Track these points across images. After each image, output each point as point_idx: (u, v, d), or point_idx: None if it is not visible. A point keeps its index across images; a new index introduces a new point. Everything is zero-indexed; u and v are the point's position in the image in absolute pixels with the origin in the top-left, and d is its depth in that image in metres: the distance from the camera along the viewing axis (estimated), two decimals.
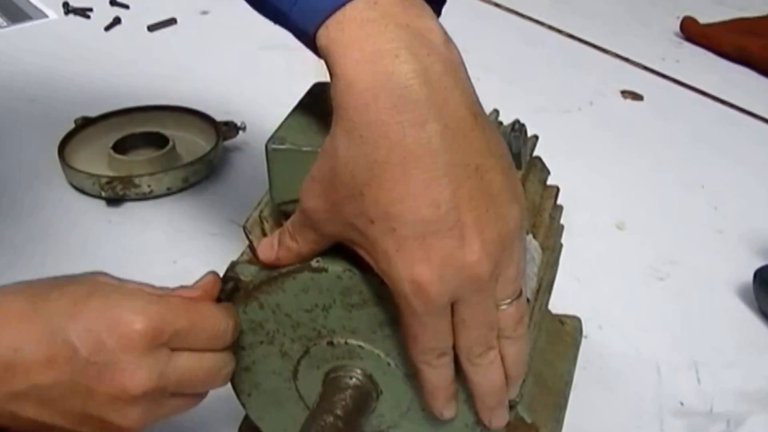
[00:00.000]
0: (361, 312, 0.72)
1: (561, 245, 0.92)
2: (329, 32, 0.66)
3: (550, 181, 0.92)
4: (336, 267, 0.71)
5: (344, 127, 0.65)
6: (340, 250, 0.71)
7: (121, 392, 0.68)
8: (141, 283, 0.74)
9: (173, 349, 0.70)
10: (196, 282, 0.76)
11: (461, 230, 0.64)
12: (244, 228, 0.80)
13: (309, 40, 0.68)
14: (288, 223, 0.72)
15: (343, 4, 0.66)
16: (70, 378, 0.67)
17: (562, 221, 0.94)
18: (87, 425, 0.69)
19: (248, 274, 0.77)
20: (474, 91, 0.67)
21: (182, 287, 0.75)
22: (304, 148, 0.73)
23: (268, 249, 0.74)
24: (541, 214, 0.87)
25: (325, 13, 0.66)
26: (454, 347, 0.69)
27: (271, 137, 0.75)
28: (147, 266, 1.10)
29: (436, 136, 0.63)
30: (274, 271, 0.74)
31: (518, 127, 0.77)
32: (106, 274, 0.73)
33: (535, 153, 0.91)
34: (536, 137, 0.90)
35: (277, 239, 0.73)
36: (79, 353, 0.67)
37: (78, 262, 1.10)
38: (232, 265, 0.78)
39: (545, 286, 0.86)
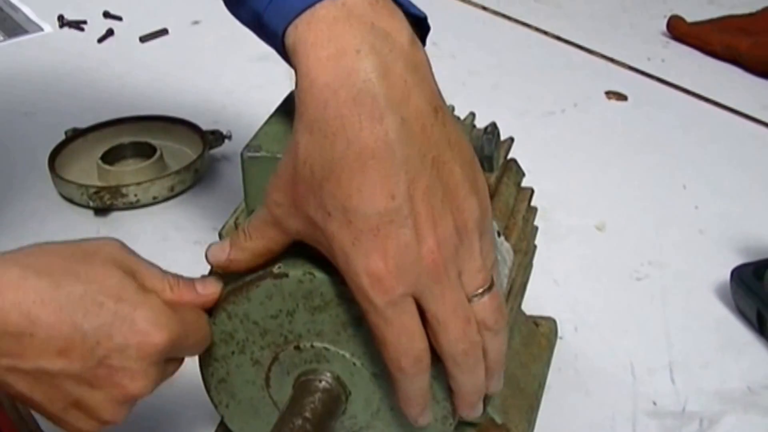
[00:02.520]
0: (324, 314, 0.73)
1: (535, 247, 0.93)
2: (297, 31, 0.68)
3: (530, 184, 0.93)
4: (296, 271, 0.72)
5: (305, 123, 0.66)
6: (303, 254, 0.72)
7: (121, 394, 0.70)
8: (158, 270, 0.76)
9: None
10: (206, 281, 0.77)
11: (416, 222, 0.65)
12: (220, 235, 0.82)
13: (279, 42, 0.70)
14: (245, 223, 0.73)
15: (313, 4, 0.67)
16: (78, 371, 0.68)
17: (542, 223, 0.95)
18: (74, 411, 0.71)
19: None
20: (437, 89, 0.68)
21: (196, 280, 0.77)
22: (279, 156, 0.73)
23: (218, 252, 0.75)
24: (514, 216, 0.88)
25: (296, 12, 0.68)
26: (435, 352, 0.69)
27: (247, 145, 0.76)
28: None
29: (393, 129, 0.64)
30: (239, 281, 0.75)
31: (491, 129, 0.78)
32: (123, 247, 0.75)
33: (517, 155, 0.92)
34: (512, 139, 0.91)
35: (229, 241, 0.74)
36: (95, 352, 0.68)
37: None
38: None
39: (518, 288, 0.87)
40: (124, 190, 1.24)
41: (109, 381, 0.69)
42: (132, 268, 0.74)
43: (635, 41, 1.66)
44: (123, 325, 0.69)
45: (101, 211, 1.24)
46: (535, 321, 1.00)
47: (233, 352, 0.78)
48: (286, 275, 0.73)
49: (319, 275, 0.72)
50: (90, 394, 0.70)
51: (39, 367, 0.68)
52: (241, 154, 0.76)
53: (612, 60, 1.59)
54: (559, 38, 1.66)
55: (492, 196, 0.84)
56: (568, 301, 1.06)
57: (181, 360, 0.76)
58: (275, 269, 0.73)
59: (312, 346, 0.75)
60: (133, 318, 0.69)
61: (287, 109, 0.80)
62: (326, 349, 0.75)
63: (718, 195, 1.25)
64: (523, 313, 0.97)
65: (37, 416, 0.93)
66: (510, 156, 0.91)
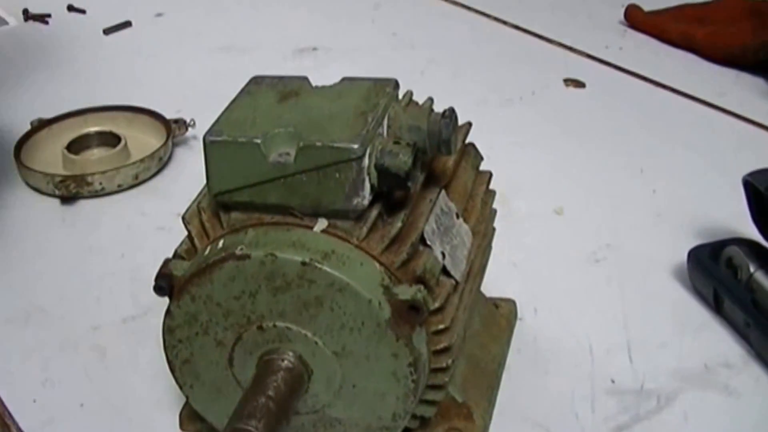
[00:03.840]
0: (286, 295, 0.75)
1: (494, 229, 0.95)
2: None
3: (491, 170, 0.95)
4: (258, 252, 0.74)
5: None
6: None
7: None
8: None
9: None
10: None
11: None
12: (183, 219, 0.83)
13: None
14: None
15: None
16: None
17: (502, 208, 0.96)
18: None
19: (180, 269, 0.79)
20: None
21: None
22: (240, 140, 0.75)
23: None
24: (473, 199, 0.89)
25: None
26: None
27: (209, 130, 0.78)
28: (96, 261, 1.13)
29: None
30: (202, 263, 0.77)
31: (449, 113, 0.79)
32: None
33: (476, 143, 0.94)
34: (469, 124, 0.92)
35: None
36: None
37: (32, 260, 1.13)
38: (165, 263, 0.80)
39: (477, 269, 0.88)
40: (89, 179, 1.25)
41: None
42: None
43: (593, 30, 1.68)
44: None
45: (67, 199, 1.26)
46: (495, 303, 1.01)
47: (197, 334, 0.79)
48: (249, 257, 0.74)
49: (281, 256, 0.74)
50: None
51: None
52: (204, 139, 0.77)
53: (570, 49, 1.61)
54: (518, 27, 1.68)
55: (450, 180, 0.86)
56: (528, 283, 1.08)
57: None
58: (237, 251, 0.75)
59: (274, 326, 0.76)
60: None
61: (248, 95, 0.82)
62: (288, 328, 0.76)
63: (675, 179, 1.27)
64: (483, 295, 0.99)
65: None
66: (468, 141, 0.93)
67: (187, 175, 1.29)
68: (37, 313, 1.06)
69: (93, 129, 1.38)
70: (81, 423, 0.93)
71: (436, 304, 0.77)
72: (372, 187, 0.75)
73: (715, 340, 1.00)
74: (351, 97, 0.80)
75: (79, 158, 1.32)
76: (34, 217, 1.23)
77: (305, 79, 0.84)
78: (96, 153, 1.35)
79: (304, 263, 0.73)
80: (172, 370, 0.82)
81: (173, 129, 1.35)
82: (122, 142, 1.33)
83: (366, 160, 0.74)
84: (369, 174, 0.74)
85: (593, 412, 0.92)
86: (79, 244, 1.18)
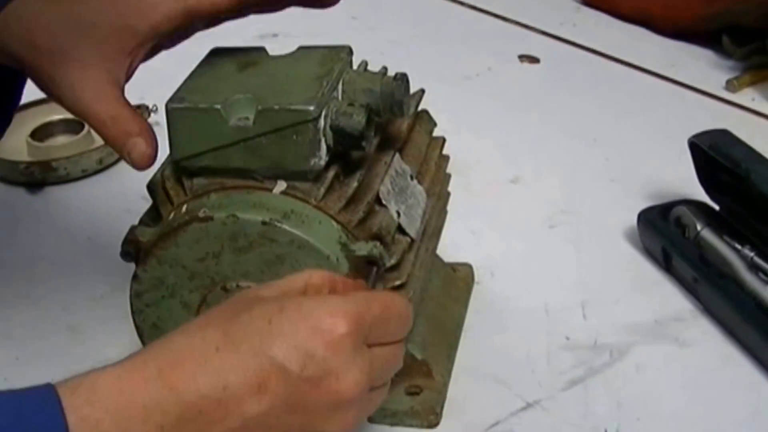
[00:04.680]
0: (248, 255, 0.78)
1: (448, 193, 0.98)
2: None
3: (449, 144, 0.98)
4: (221, 214, 0.77)
5: None
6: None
7: (338, 399, 0.65)
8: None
9: (369, 345, 0.68)
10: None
11: None
12: (148, 187, 0.85)
13: None
14: None
15: None
16: (284, 400, 0.63)
17: (460, 179, 1.00)
18: None
19: (146, 235, 0.82)
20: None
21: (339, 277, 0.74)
22: (201, 105, 0.78)
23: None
24: (427, 163, 0.93)
25: None
26: None
27: (171, 98, 0.81)
28: (65, 244, 1.16)
29: None
30: (166, 228, 0.79)
31: (400, 76, 0.83)
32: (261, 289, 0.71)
33: (436, 118, 0.97)
34: (422, 91, 0.95)
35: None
36: (289, 372, 0.63)
37: (1, 247, 1.14)
38: (132, 229, 0.83)
39: (432, 230, 0.91)
40: (54, 165, 1.27)
41: (319, 392, 0.64)
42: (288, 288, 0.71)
43: (548, 8, 1.70)
44: (300, 330, 0.64)
45: (34, 186, 1.27)
46: (453, 267, 1.05)
47: (163, 297, 0.82)
48: (211, 218, 0.77)
49: (243, 216, 0.77)
50: (309, 415, 0.65)
51: (247, 417, 0.63)
52: (166, 106, 0.80)
53: (526, 26, 1.63)
54: (475, 8, 1.70)
55: (405, 143, 0.89)
56: (485, 249, 1.11)
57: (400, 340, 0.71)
58: (200, 214, 0.78)
59: (238, 286, 0.79)
60: (301, 317, 0.65)
61: (208, 65, 0.85)
62: (251, 288, 0.79)
63: (627, 146, 1.30)
64: (441, 260, 1.02)
65: None
66: (427, 115, 0.96)
67: None
68: (8, 296, 1.08)
69: (57, 117, 1.39)
70: None
71: (393, 260, 0.80)
72: (328, 147, 0.78)
73: (666, 296, 1.04)
74: (307, 63, 0.83)
75: (43, 145, 1.33)
76: (3, 206, 1.25)
77: (263, 49, 0.87)
78: (60, 140, 1.36)
79: (264, 222, 0.76)
80: (141, 335, 0.84)
81: None
82: (85, 129, 1.35)
83: (321, 122, 0.77)
84: (325, 135, 0.78)
85: (549, 367, 0.95)
86: (47, 229, 1.20)
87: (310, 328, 0.64)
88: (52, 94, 0.81)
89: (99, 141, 1.33)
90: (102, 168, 1.30)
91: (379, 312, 0.68)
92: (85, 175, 1.29)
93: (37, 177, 1.27)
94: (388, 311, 0.69)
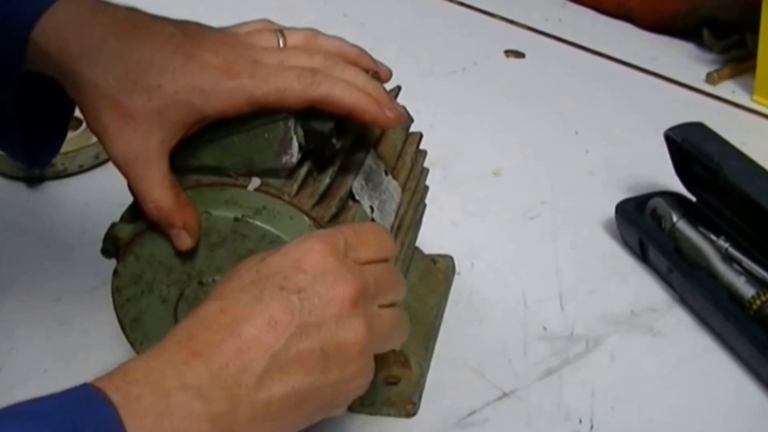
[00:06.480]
0: (222, 250, 0.80)
1: (426, 187, 1.00)
2: None
3: (433, 137, 1.00)
4: None
5: None
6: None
7: (339, 308, 0.70)
8: None
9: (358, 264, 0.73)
10: None
11: None
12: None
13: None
14: None
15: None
16: (296, 326, 0.68)
17: (442, 171, 1.01)
18: (330, 365, 0.70)
19: (125, 232, 0.84)
20: None
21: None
22: None
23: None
24: (402, 158, 0.94)
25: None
26: None
27: None
28: (59, 237, 1.17)
29: None
30: (143, 224, 0.81)
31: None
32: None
33: (420, 112, 0.99)
34: (399, 87, 0.97)
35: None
36: (289, 300, 0.69)
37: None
38: (112, 226, 0.85)
39: (408, 223, 0.93)
40: (52, 160, 1.29)
41: (322, 305, 0.70)
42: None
43: (533, 4, 1.70)
44: (283, 266, 0.71)
45: (33, 181, 1.29)
46: (433, 259, 1.06)
47: (143, 292, 0.84)
48: None
49: (215, 213, 0.79)
50: (321, 333, 0.69)
51: (271, 354, 0.68)
52: None
53: (511, 22, 1.64)
54: (461, 4, 1.71)
55: (379, 139, 0.91)
56: (466, 240, 1.13)
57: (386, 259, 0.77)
58: None
59: (213, 281, 0.81)
60: (285, 255, 0.72)
61: None
62: None
63: (608, 139, 1.32)
64: (421, 252, 1.04)
65: None
66: (404, 110, 0.97)
67: None
68: (3, 287, 1.09)
69: None
70: (46, 388, 0.96)
71: None
72: (300, 145, 0.80)
73: (642, 287, 1.06)
74: None
75: None
76: (2, 201, 1.26)
77: None
78: None
79: (236, 219, 0.78)
80: (123, 329, 0.86)
81: None
82: (83, 125, 1.36)
83: (292, 120, 0.79)
84: (296, 133, 0.79)
85: (525, 357, 0.97)
86: (42, 222, 1.21)
87: (291, 260, 0.71)
88: (97, 135, 0.84)
89: (95, 137, 1.35)
90: (98, 163, 1.32)
91: (351, 232, 0.75)
92: (82, 170, 1.31)
93: (36, 172, 1.29)
94: (360, 228, 0.77)
